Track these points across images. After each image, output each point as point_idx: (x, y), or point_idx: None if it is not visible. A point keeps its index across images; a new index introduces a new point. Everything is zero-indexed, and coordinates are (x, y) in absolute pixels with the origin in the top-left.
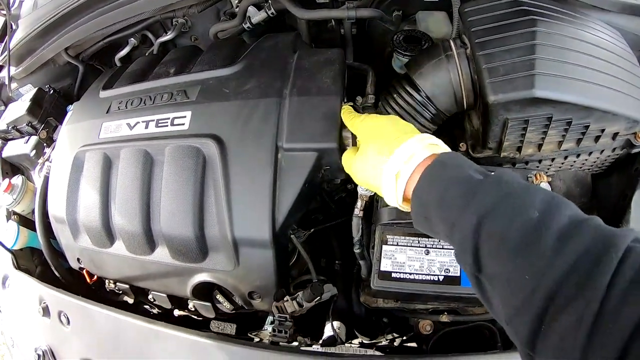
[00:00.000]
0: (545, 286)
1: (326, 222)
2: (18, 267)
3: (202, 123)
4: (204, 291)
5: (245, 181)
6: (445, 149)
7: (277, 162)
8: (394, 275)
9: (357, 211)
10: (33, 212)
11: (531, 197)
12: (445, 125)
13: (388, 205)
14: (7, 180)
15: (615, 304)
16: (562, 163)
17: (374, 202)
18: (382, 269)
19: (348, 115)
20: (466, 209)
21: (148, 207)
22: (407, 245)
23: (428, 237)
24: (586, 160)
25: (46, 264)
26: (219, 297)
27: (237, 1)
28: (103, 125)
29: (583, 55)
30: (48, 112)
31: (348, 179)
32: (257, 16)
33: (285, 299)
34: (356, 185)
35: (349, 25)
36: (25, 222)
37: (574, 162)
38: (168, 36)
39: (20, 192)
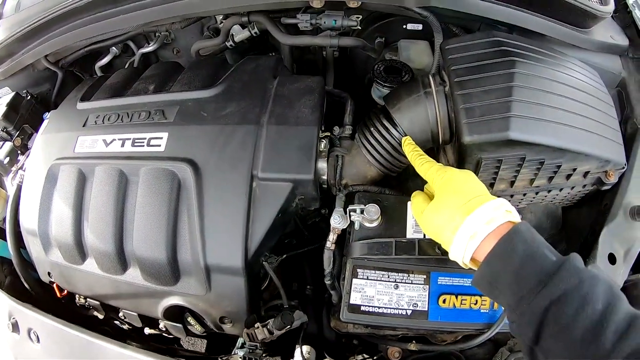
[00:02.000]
0: None
1: (299, 247)
2: None
3: (179, 146)
4: (176, 313)
5: (219, 208)
6: (517, 217)
7: (252, 191)
8: (363, 308)
9: (329, 244)
10: (4, 220)
11: (597, 288)
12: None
13: (360, 240)
14: None
15: None
16: (534, 197)
17: (346, 234)
18: (351, 302)
19: (418, 159)
20: (539, 291)
21: (121, 227)
22: (376, 280)
23: (397, 272)
24: (557, 195)
25: (15, 274)
26: (190, 319)
27: (221, 17)
28: (79, 139)
29: (558, 97)
30: (24, 119)
31: (322, 205)
32: (240, 35)
33: (256, 325)
34: (330, 212)
35: (330, 50)
36: None
37: (545, 196)
38: (150, 47)
39: None
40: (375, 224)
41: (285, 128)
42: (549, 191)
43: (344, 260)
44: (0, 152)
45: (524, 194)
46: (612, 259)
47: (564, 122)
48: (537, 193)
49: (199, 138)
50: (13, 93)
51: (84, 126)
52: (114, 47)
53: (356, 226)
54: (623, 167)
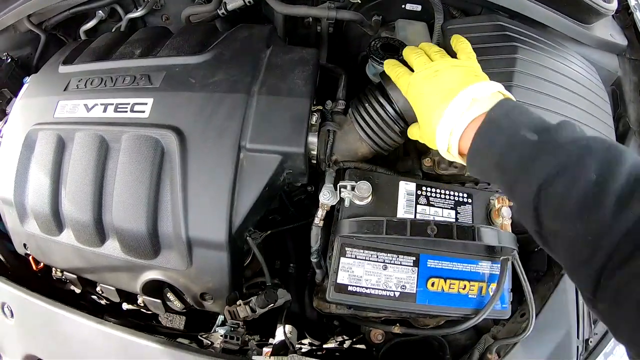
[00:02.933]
0: (604, 247)
1: (283, 224)
2: None
3: (164, 113)
4: (155, 288)
5: (204, 179)
6: (500, 95)
7: (239, 162)
8: (350, 288)
9: (317, 220)
10: None
11: (587, 159)
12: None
13: (349, 218)
14: None
15: None
16: None
17: (335, 211)
18: (338, 281)
19: (394, 70)
20: (525, 178)
21: (100, 196)
22: (365, 260)
23: (387, 252)
24: None
25: None
26: (170, 295)
27: None
28: (59, 103)
29: (557, 87)
30: (3, 82)
31: (308, 182)
32: (233, 3)
33: (237, 303)
34: (316, 189)
35: (326, 24)
36: None
37: None
38: (138, 12)
39: None
40: (365, 201)
41: (276, 99)
42: None
43: (332, 239)
44: None
45: None
46: None
47: (560, 112)
48: None
49: (186, 105)
50: None
51: (65, 90)
52: (100, 11)
53: (346, 203)
54: None
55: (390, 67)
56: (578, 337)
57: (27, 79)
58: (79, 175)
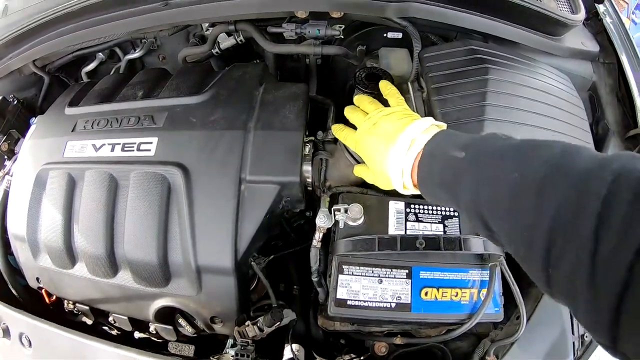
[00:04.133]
0: (539, 240)
1: (285, 248)
2: None
3: (169, 150)
4: (166, 315)
5: (209, 210)
6: (430, 130)
7: (241, 193)
8: (349, 302)
9: (315, 242)
10: None
11: (507, 162)
12: None
13: (344, 238)
14: None
15: (608, 247)
16: None
17: (331, 233)
18: (338, 297)
19: (341, 133)
20: (462, 190)
21: (112, 230)
22: (361, 275)
23: (381, 267)
24: None
25: (2, 280)
26: (181, 321)
27: (207, 25)
28: (68, 143)
29: (529, 101)
30: (11, 124)
31: (306, 208)
32: (226, 42)
33: (246, 323)
34: (314, 214)
35: (313, 58)
36: None
37: None
38: (136, 54)
39: None
40: (358, 222)
41: (271, 133)
42: None
43: (330, 258)
44: None
45: None
46: None
47: (534, 124)
48: None
49: (189, 143)
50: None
51: (72, 131)
52: (100, 53)
53: (340, 225)
54: None
55: (338, 131)
56: (573, 334)
57: (34, 120)
58: (90, 211)
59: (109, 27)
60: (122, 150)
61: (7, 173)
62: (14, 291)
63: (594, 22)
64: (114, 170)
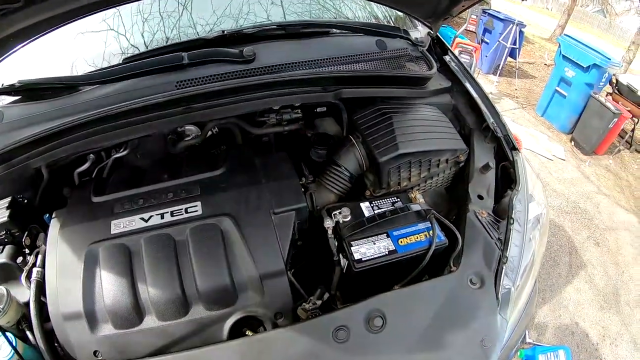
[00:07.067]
0: None
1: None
2: None
3: (213, 208)
4: (236, 329)
5: (258, 237)
6: None
7: (274, 222)
8: (363, 259)
9: (330, 235)
10: (18, 322)
11: None
12: (356, 183)
13: (344, 227)
14: None
15: None
16: (424, 185)
17: (337, 229)
18: (355, 258)
19: None
20: None
21: (179, 275)
22: (363, 243)
23: (372, 236)
24: (437, 179)
25: None
26: (248, 332)
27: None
28: (112, 223)
29: (419, 126)
30: (30, 220)
31: (299, 237)
32: (209, 132)
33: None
34: (304, 243)
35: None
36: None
37: (432, 183)
38: (122, 153)
39: (7, 302)
40: (349, 217)
41: (278, 182)
42: (432, 178)
43: (341, 242)
44: (3, 255)
45: (419, 184)
46: (480, 197)
47: (425, 138)
48: (426, 181)
49: (227, 200)
50: (10, 197)
51: (112, 213)
52: (92, 155)
53: (340, 221)
54: (466, 150)
55: None
56: (492, 239)
57: (50, 215)
58: (156, 265)
59: (138, 129)
60: (172, 215)
61: (34, 265)
62: None
63: (445, 68)
64: (169, 231)
